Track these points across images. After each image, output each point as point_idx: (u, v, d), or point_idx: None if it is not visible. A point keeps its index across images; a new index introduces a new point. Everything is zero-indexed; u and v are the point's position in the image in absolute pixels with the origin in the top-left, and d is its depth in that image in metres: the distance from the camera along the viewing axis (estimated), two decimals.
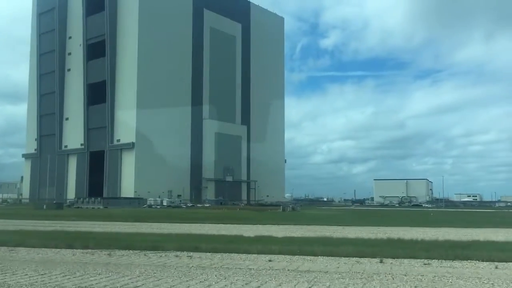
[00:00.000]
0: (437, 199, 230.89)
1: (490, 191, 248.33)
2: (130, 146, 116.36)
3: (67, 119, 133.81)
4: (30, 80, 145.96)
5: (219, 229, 31.05)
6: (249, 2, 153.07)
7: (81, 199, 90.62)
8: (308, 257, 16.83)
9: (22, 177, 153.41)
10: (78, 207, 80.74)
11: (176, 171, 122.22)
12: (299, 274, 13.52)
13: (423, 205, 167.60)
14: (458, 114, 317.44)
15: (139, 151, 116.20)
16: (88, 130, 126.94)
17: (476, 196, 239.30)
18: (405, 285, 12.07)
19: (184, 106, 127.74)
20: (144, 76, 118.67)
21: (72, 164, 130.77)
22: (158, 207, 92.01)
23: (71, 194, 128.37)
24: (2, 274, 13.29)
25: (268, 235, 25.22)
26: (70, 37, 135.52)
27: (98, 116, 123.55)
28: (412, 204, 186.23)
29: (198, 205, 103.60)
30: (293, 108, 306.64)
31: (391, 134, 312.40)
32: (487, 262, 16.08)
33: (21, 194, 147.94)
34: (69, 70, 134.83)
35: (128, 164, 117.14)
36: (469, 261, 16.39)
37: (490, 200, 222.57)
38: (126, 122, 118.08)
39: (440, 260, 16.42)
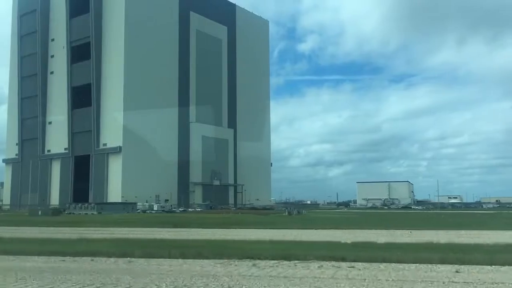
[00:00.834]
0: (419, 201, 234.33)
1: (464, 192, 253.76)
2: (117, 150, 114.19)
3: (50, 123, 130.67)
4: (10, 83, 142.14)
5: (283, 235, 29.38)
6: (235, 5, 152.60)
7: (73, 204, 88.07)
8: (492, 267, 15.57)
9: (2, 183, 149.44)
10: (70, 213, 78.41)
11: (163, 175, 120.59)
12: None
13: (412, 207, 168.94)
14: (432, 118, 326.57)
15: (126, 155, 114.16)
16: (73, 134, 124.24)
17: (456, 197, 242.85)
18: None
19: (171, 109, 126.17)
20: (131, 79, 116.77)
21: (56, 169, 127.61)
22: (152, 212, 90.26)
23: (54, 200, 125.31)
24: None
25: (370, 241, 23.56)
26: (53, 39, 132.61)
27: (83, 120, 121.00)
28: (401, 206, 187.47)
29: (189, 209, 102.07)
30: (271, 112, 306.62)
31: (367, 137, 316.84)
32: None
33: (1, 200, 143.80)
34: (52, 73, 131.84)
35: (115, 169, 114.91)
36: None
37: (470, 201, 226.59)
38: (113, 125, 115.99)
39: None
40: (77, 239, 25.00)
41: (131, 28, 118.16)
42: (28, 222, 47.14)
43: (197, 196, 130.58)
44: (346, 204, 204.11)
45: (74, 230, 34.92)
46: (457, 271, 14.59)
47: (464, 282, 12.93)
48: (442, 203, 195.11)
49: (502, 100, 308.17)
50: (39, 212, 66.91)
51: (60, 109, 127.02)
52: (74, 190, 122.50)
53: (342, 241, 23.74)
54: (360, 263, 15.97)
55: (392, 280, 13.07)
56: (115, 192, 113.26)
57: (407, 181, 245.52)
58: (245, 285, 12.32)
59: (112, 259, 17.23)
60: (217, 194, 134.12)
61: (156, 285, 12.44)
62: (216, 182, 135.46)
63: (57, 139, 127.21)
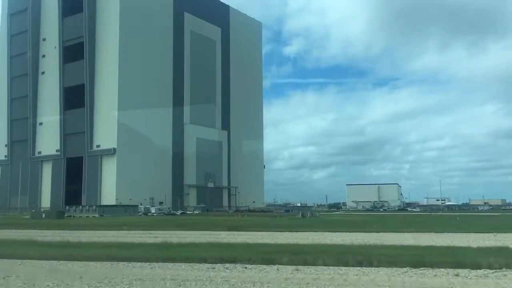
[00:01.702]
0: (407, 203, 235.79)
1: (446, 195, 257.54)
2: (111, 152, 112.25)
3: (41, 124, 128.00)
4: None
5: (331, 238, 28.41)
6: (228, 6, 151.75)
7: (73, 207, 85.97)
8: None
9: None
10: (70, 216, 76.38)
11: (157, 178, 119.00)
12: None
13: (409, 209, 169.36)
14: (414, 121, 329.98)
15: (121, 157, 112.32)
16: (65, 135, 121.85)
17: (444, 199, 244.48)
18: None
19: (165, 110, 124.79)
20: (125, 80, 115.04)
21: (47, 171, 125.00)
22: (154, 214, 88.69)
23: (45, 202, 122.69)
24: None
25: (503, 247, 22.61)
26: (44, 39, 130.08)
27: (76, 121, 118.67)
28: (396, 208, 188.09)
29: (187, 212, 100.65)
30: None
31: (351, 140, 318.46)
32: None
33: None
34: (43, 73, 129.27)
35: (109, 171, 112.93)
36: None
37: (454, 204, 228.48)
38: (106, 127, 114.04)
39: None
40: (166, 243, 23.61)
41: (125, 28, 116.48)
42: (39, 225, 45.35)
43: (191, 199, 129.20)
44: (338, 206, 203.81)
45: (116, 233, 33.31)
46: None
47: None
48: (437, 205, 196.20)
49: (483, 104, 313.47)
50: (43, 215, 64.97)
51: (52, 110, 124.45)
52: (66, 193, 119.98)
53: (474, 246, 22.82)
54: None
55: None
56: (109, 195, 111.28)
57: (396, 184, 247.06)
58: None
59: (272, 267, 15.99)
60: (211, 196, 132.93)
61: None
62: (211, 185, 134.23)
63: (48, 141, 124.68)
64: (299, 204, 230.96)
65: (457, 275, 14.61)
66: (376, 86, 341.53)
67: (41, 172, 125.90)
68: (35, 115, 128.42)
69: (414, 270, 15.33)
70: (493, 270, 15.40)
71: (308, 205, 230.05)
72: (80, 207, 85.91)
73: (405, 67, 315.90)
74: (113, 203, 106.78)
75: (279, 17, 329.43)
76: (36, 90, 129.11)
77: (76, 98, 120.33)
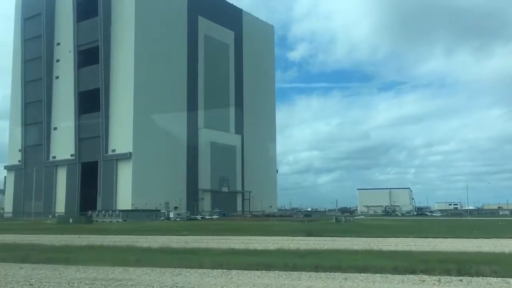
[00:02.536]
0: (419, 208, 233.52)
1: (451, 199, 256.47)
2: (127, 156, 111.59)
3: (55, 128, 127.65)
4: (12, 88, 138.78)
5: (404, 244, 27.03)
6: (241, 10, 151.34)
7: (95, 212, 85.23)
8: None
9: (2, 190, 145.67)
10: (93, 220, 75.43)
11: (172, 182, 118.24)
12: None
13: (428, 214, 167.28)
14: (420, 125, 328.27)
15: (137, 162, 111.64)
16: (80, 140, 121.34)
17: (457, 204, 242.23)
18: None
19: (179, 114, 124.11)
20: (141, 84, 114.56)
21: (62, 176, 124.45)
22: (177, 219, 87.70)
23: (60, 207, 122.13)
24: None
25: None
26: (58, 44, 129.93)
27: (91, 126, 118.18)
28: (408, 213, 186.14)
29: (206, 217, 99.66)
30: None
31: (356, 144, 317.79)
32: None
33: (3, 208, 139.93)
34: (57, 77, 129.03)
35: (125, 175, 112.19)
36: None
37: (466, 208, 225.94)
38: (122, 131, 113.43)
39: None
40: (299, 250, 22.02)
41: (140, 32, 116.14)
42: (80, 230, 44.14)
43: (206, 204, 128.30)
44: (350, 211, 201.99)
45: (190, 239, 32.01)
46: None
47: None
48: (459, 210, 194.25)
49: (488, 108, 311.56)
50: (70, 220, 64.15)
51: (66, 114, 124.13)
52: (81, 198, 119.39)
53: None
54: None
55: None
56: (124, 200, 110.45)
57: (408, 188, 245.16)
58: None
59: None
60: (225, 201, 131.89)
61: None
62: (225, 189, 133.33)
63: (63, 145, 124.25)
64: (309, 209, 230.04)
65: None
66: (381, 90, 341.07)
67: (55, 177, 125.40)
68: (49, 119, 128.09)
69: None
70: None
71: (318, 210, 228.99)
72: (103, 212, 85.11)
73: (410, 71, 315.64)
74: (129, 207, 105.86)
75: (284, 22, 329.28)
76: (50, 94, 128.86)
77: (91, 102, 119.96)
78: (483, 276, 14.52)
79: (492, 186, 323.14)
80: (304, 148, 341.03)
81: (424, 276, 14.50)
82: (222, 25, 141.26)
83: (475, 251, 22.30)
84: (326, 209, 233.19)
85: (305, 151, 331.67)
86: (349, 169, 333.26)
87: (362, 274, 14.73)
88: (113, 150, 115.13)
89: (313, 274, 14.87)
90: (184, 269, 15.88)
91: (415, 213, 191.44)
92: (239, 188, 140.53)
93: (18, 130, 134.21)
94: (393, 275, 14.67)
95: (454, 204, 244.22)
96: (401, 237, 33.84)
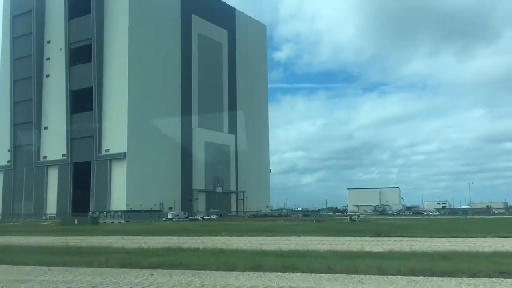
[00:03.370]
0: (408, 207, 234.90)
1: (432, 199, 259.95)
2: (121, 156, 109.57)
3: (46, 128, 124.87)
4: (1, 87, 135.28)
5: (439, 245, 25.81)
6: (234, 8, 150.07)
7: (96, 213, 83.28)
8: None
9: None
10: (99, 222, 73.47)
11: (167, 183, 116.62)
12: None
13: (424, 213, 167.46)
14: (403, 125, 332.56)
15: (131, 162, 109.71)
16: (72, 140, 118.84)
17: (445, 203, 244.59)
18: None
19: (174, 114, 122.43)
20: (135, 83, 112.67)
21: (53, 177, 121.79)
22: (180, 220, 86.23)
23: (51, 208, 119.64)
24: None
25: None
26: (48, 41, 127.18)
27: (83, 125, 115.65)
28: (412, 212, 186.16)
29: (205, 217, 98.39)
30: None
31: (340, 144, 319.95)
32: None
33: None
34: (47, 76, 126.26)
35: (119, 176, 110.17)
36: None
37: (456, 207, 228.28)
38: (116, 131, 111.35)
39: None
40: (362, 252, 20.75)
41: (134, 30, 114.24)
42: (94, 231, 42.55)
43: (200, 204, 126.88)
44: (343, 211, 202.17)
45: (223, 240, 30.77)
46: None
47: None
48: (454, 209, 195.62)
49: (470, 109, 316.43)
50: (75, 221, 62.30)
51: (57, 114, 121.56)
52: (73, 199, 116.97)
53: None
54: None
55: None
56: (119, 201, 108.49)
57: (397, 187, 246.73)
58: None
59: None
60: (220, 201, 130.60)
61: None
62: (219, 189, 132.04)
63: (54, 145, 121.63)
64: (300, 209, 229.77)
65: None
66: (366, 91, 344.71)
67: (46, 178, 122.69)
68: (39, 119, 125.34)
69: None
70: None
71: (309, 209, 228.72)
72: (104, 213, 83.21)
73: (394, 72, 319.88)
74: (124, 208, 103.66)
75: (270, 23, 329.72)
76: (40, 93, 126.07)
77: (83, 101, 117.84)
78: None
79: (474, 185, 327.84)
80: (289, 148, 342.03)
81: None
82: (215, 23, 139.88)
83: None
84: (317, 209, 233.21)
85: (290, 151, 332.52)
86: (334, 169, 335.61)
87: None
88: (107, 150, 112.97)
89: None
90: (357, 275, 14.28)
91: (406, 212, 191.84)
92: (233, 188, 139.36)
93: (7, 130, 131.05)
94: None
95: (442, 203, 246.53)
96: (455, 237, 32.35)
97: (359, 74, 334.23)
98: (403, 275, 14.10)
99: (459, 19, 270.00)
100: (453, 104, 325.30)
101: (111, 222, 71.61)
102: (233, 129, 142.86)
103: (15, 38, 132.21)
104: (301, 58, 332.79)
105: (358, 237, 31.98)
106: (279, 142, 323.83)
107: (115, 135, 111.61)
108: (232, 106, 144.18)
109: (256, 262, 16.40)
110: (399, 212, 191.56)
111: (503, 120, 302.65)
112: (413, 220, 76.93)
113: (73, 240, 30.56)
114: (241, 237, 33.36)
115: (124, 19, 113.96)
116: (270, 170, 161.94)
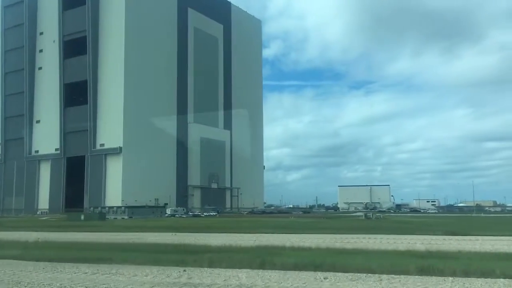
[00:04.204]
0: (398, 205, 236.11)
1: (416, 197, 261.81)
2: (117, 151, 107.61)
3: (38, 121, 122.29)
4: None
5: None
6: (230, 3, 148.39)
7: (99, 208, 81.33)
8: None
9: None
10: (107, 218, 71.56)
11: (162, 178, 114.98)
12: None
13: (422, 211, 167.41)
14: (388, 124, 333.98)
15: (127, 156, 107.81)
16: (65, 134, 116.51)
17: (435, 201, 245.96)
18: None
19: (169, 108, 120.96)
20: (131, 76, 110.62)
21: (45, 171, 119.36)
22: (183, 216, 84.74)
23: (43, 204, 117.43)
24: None
25: None
26: (41, 33, 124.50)
27: (77, 119, 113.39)
28: (387, 209, 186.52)
29: (204, 213, 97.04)
30: None
31: (327, 142, 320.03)
32: None
33: None
34: (40, 68, 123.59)
35: (114, 171, 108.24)
36: None
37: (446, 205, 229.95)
38: (112, 125, 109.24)
39: None
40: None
41: (131, 22, 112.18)
42: (109, 227, 40.80)
43: (195, 200, 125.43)
44: (335, 208, 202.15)
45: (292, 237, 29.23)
46: None
47: None
48: (452, 206, 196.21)
49: (454, 108, 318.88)
50: (82, 217, 60.49)
51: (50, 107, 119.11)
52: (66, 194, 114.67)
53: None
54: None
55: None
56: (114, 196, 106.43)
57: (388, 185, 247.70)
58: None
59: None
60: (215, 197, 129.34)
61: None
62: (214, 185, 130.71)
63: (47, 139, 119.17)
64: (291, 206, 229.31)
65: None
66: (352, 89, 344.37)
67: (38, 172, 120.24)
68: (31, 112, 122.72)
69: None
70: None
71: (300, 206, 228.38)
72: (106, 208, 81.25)
73: (380, 71, 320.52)
74: (119, 204, 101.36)
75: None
76: (33, 86, 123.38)
77: (77, 94, 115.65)
78: None
79: (456, 184, 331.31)
80: (275, 145, 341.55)
81: None
82: (211, 17, 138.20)
83: None
84: (308, 206, 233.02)
85: (276, 148, 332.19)
86: (320, 166, 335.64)
87: None
88: (102, 145, 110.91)
89: None
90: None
91: (397, 209, 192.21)
92: (227, 184, 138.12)
93: None
94: None
95: (432, 201, 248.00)
96: (498, 236, 31.22)
97: (346, 72, 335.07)
98: None
99: (445, 19, 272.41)
100: (438, 103, 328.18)
101: (114, 218, 69.86)
102: (228, 125, 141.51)
103: (7, 29, 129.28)
104: (289, 56, 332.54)
105: (429, 236, 30.41)
106: (266, 139, 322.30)
107: (110, 129, 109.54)
108: (227, 102, 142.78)
109: (426, 264, 14.92)
110: (390, 210, 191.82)
111: (486, 120, 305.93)
112: (427, 218, 74.76)
113: (113, 237, 28.87)
114: (296, 235, 31.71)
115: (120, 11, 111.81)
116: (264, 166, 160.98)
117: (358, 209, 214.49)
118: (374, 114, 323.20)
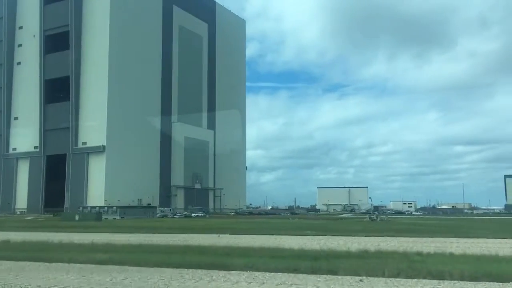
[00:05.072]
0: (375, 207, 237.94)
1: (387, 199, 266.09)
2: (100, 150, 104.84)
3: (16, 118, 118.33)
4: None
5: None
6: (215, 2, 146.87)
7: (89, 208, 78.58)
8: None
9: None
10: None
11: (145, 178, 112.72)
12: None
13: (406, 213, 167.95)
14: (361, 127, 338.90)
15: (110, 155, 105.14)
16: (45, 131, 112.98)
17: (411, 203, 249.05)
18: None
19: (154, 107, 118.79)
20: (115, 73, 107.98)
21: (23, 170, 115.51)
22: (175, 217, 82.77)
23: (21, 203, 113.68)
24: None
25: None
26: (21, 27, 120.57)
27: (58, 116, 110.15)
28: (395, 212, 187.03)
29: (192, 214, 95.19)
30: None
31: (301, 144, 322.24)
32: None
33: None
34: (19, 63, 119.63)
35: (97, 170, 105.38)
36: None
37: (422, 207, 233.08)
38: (94, 123, 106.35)
39: None
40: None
41: (115, 18, 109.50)
42: (104, 228, 38.88)
43: (179, 200, 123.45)
44: (316, 210, 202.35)
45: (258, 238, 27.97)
46: None
47: None
48: (436, 209, 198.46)
49: (425, 112, 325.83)
50: (76, 217, 58.02)
51: (29, 103, 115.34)
52: (45, 193, 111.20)
53: None
54: None
55: None
56: (96, 196, 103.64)
57: (366, 187, 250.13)
58: None
59: None
60: (198, 198, 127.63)
61: None
62: (198, 186, 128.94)
63: (25, 137, 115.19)
64: (270, 207, 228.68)
65: None
66: (326, 92, 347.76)
67: (16, 170, 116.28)
68: (9, 108, 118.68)
69: None
70: None
71: (279, 207, 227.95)
72: (97, 208, 78.68)
73: (354, 74, 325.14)
74: (102, 204, 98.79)
75: None
76: (11, 81, 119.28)
77: (58, 91, 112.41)
78: None
79: (425, 186, 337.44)
80: (250, 146, 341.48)
81: None
82: (196, 16, 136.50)
83: None
84: (287, 207, 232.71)
85: (251, 149, 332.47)
86: (293, 168, 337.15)
87: None
88: (84, 143, 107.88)
89: None
90: None
91: (366, 210, 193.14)
92: (211, 185, 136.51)
93: None
94: None
95: (408, 203, 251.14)
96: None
97: (321, 75, 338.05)
98: None
99: (417, 25, 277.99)
100: (409, 107, 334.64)
101: (105, 218, 67.60)
102: (211, 125, 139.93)
103: None
104: (265, 57, 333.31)
105: (448, 238, 29.35)
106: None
107: (93, 127, 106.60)
108: (211, 101, 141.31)
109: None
110: (367, 212, 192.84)
111: (455, 124, 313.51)
112: (427, 220, 73.78)
113: (148, 239, 27.07)
114: (309, 236, 30.64)
115: (104, 6, 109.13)
116: (246, 167, 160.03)
117: (337, 210, 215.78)
118: (347, 117, 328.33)
